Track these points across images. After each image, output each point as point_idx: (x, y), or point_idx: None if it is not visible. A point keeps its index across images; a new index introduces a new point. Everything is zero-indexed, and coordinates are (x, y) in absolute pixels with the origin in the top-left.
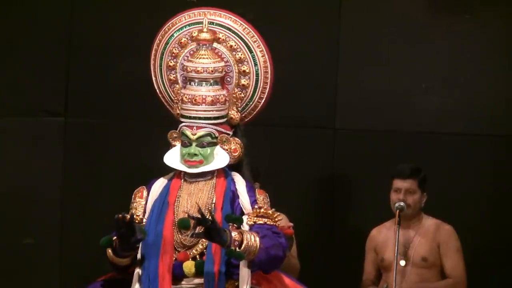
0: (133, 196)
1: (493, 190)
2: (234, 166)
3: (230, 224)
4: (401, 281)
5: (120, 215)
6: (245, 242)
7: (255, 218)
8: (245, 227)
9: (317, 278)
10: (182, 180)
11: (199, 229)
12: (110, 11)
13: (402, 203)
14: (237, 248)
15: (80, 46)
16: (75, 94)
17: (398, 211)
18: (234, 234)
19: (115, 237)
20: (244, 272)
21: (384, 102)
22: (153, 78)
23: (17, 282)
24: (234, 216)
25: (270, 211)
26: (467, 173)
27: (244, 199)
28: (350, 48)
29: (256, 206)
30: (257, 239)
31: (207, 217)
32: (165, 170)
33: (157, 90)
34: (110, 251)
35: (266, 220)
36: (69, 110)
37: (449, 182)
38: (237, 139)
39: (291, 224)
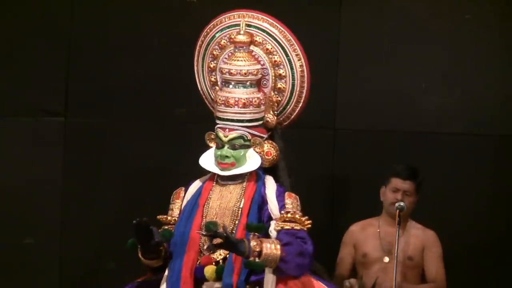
0: (171, 197)
1: (492, 190)
2: (271, 169)
3: (252, 233)
4: (384, 278)
5: (136, 221)
6: (264, 251)
7: (282, 223)
8: (272, 232)
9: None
10: (214, 183)
11: (215, 241)
12: (110, 11)
13: (402, 203)
14: (256, 259)
15: (80, 46)
16: (75, 94)
17: (398, 211)
18: (253, 244)
19: None
20: (269, 277)
21: (384, 102)
22: (196, 79)
23: (17, 282)
24: (255, 224)
25: (297, 215)
26: (467, 173)
27: (272, 205)
28: (350, 48)
29: (283, 211)
30: (278, 247)
31: (219, 231)
32: (165, 171)
33: (200, 92)
34: (139, 255)
35: (293, 225)
36: (69, 110)
37: (449, 182)
38: (272, 142)
39: None
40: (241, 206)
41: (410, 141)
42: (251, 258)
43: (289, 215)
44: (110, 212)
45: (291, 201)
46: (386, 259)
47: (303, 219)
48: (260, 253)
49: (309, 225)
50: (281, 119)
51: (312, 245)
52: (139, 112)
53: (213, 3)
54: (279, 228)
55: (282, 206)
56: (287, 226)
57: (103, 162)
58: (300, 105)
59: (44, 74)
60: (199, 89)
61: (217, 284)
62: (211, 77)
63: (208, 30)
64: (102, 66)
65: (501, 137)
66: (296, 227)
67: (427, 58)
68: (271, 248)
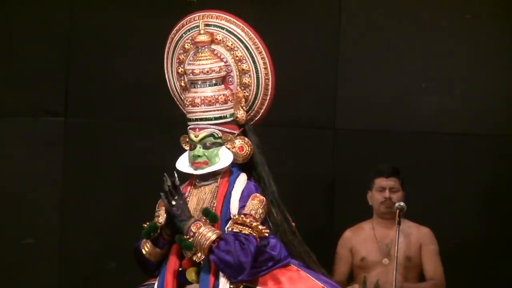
0: (157, 205)
1: (492, 190)
2: (247, 166)
3: (204, 217)
4: (385, 280)
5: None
6: (196, 234)
7: (233, 225)
8: (227, 231)
9: None
10: (192, 186)
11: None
12: (110, 11)
13: (402, 203)
14: (190, 239)
15: (80, 46)
16: (75, 94)
17: (398, 211)
18: (195, 225)
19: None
20: (221, 280)
21: (384, 102)
22: (168, 86)
23: (17, 282)
24: (211, 211)
25: (248, 219)
26: (466, 173)
27: (233, 205)
28: (350, 48)
29: (236, 214)
30: (212, 237)
31: (176, 197)
32: (165, 171)
33: (174, 98)
34: (148, 245)
35: (242, 228)
36: (69, 110)
37: (449, 182)
38: (245, 137)
39: (293, 224)
40: (214, 205)
41: (410, 141)
42: (186, 236)
43: (240, 217)
44: (110, 212)
45: (252, 203)
46: (386, 261)
47: (254, 224)
48: (194, 234)
49: (264, 234)
50: (251, 114)
51: (248, 255)
52: (139, 112)
53: (213, 3)
54: (230, 229)
55: (241, 207)
56: (236, 228)
57: (103, 162)
58: (267, 98)
59: (44, 74)
60: (172, 95)
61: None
62: (181, 82)
63: (173, 36)
64: (102, 66)
65: (501, 137)
66: (244, 231)
67: (427, 58)
68: (206, 235)
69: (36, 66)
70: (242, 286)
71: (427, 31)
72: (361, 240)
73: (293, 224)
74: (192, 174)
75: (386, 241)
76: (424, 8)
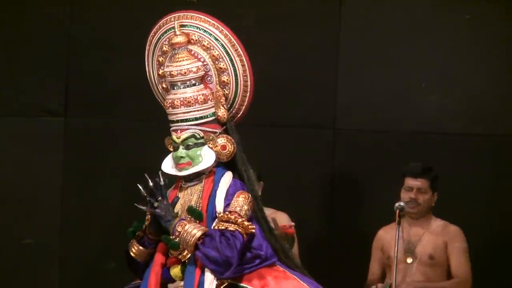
0: None
1: (492, 190)
2: (231, 164)
3: (189, 216)
4: (406, 279)
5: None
6: (181, 232)
7: (219, 222)
8: None
9: (317, 278)
10: (179, 188)
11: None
12: (110, 11)
13: (402, 203)
14: (176, 238)
15: (80, 46)
16: (75, 94)
17: (398, 211)
18: (180, 226)
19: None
20: (207, 276)
21: (384, 102)
22: (152, 89)
23: (17, 282)
24: (195, 209)
25: (232, 216)
26: (466, 173)
27: (218, 204)
28: (350, 48)
29: (221, 211)
30: (198, 233)
31: (159, 198)
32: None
33: (158, 100)
34: (135, 246)
35: (227, 225)
36: (69, 110)
37: (449, 182)
38: (227, 136)
39: (292, 223)
40: (200, 205)
41: (410, 141)
42: (172, 236)
43: (225, 214)
44: (110, 212)
45: (237, 200)
46: (409, 260)
47: (240, 221)
48: (180, 233)
49: (251, 230)
50: (233, 112)
51: (234, 250)
52: (139, 112)
53: (213, 3)
54: (216, 227)
55: (226, 205)
56: (221, 226)
57: (103, 162)
58: (247, 95)
59: (44, 74)
60: (156, 97)
61: (183, 283)
62: (162, 84)
63: (151, 38)
64: (102, 66)
65: (501, 137)
66: (230, 228)
67: (427, 58)
68: (191, 232)
69: (36, 66)
70: (227, 283)
71: (427, 31)
72: (390, 238)
73: (292, 223)
74: (178, 176)
75: (411, 239)
76: (424, 8)
